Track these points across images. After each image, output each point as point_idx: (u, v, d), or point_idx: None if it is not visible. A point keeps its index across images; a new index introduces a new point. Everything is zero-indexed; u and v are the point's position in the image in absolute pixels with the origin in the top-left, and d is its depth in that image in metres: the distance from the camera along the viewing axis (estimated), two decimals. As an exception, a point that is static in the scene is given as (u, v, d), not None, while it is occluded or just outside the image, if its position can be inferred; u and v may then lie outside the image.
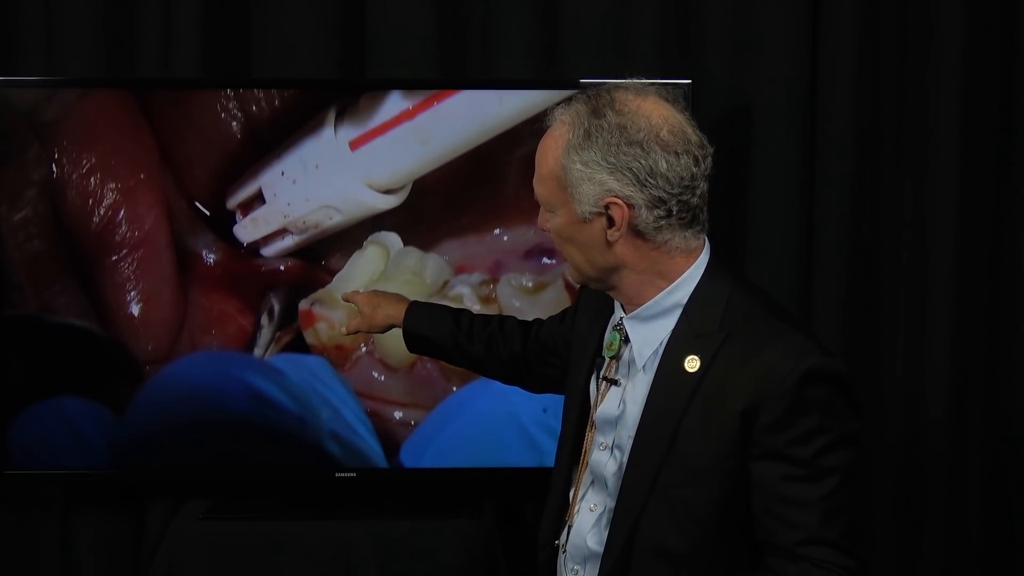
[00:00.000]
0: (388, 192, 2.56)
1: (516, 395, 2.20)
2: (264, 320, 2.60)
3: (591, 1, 2.72)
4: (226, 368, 2.60)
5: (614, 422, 1.69)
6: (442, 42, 2.74)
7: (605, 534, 1.68)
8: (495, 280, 2.59)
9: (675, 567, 1.62)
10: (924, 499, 2.81)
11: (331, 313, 2.59)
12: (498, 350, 2.05)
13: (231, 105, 2.55)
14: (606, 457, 1.70)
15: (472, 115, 2.52)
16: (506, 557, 2.55)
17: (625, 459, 1.66)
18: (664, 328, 1.65)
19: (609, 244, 1.61)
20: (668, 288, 1.65)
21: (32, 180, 2.54)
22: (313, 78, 2.70)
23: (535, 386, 2.10)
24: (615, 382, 1.70)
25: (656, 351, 1.66)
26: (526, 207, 2.54)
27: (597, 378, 1.75)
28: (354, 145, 2.54)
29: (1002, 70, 2.76)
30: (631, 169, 1.57)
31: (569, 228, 1.64)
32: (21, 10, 2.72)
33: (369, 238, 2.58)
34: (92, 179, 2.55)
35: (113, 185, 2.55)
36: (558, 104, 1.66)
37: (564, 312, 2.01)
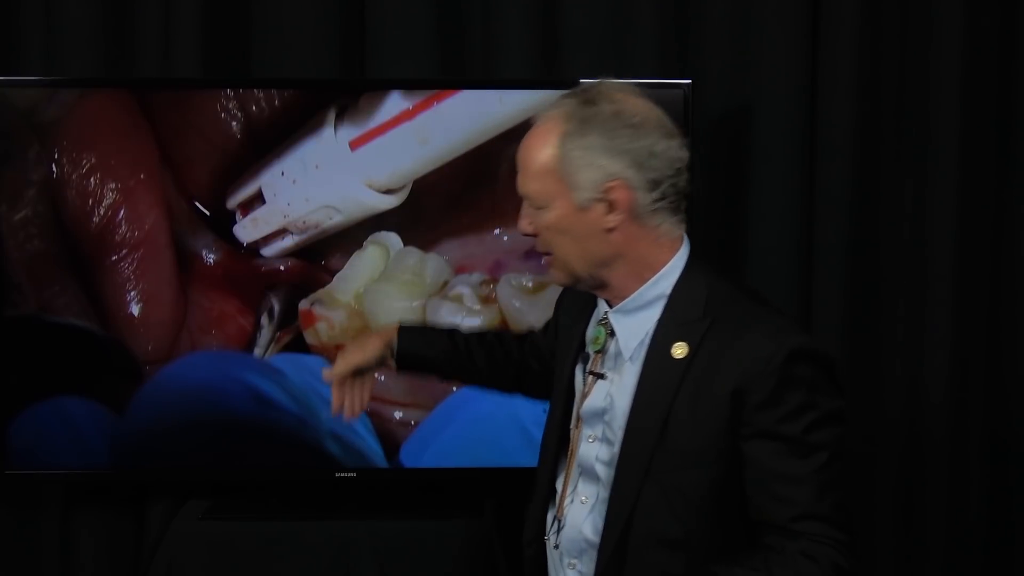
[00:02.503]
0: (388, 192, 2.56)
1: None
2: (264, 320, 2.60)
3: (591, 1, 2.72)
4: (226, 368, 2.60)
5: (601, 414, 1.72)
6: (442, 42, 2.74)
7: (601, 523, 1.70)
8: (495, 280, 2.59)
9: (672, 552, 1.65)
10: (924, 492, 2.82)
11: (331, 313, 2.59)
12: (499, 359, 2.05)
13: (231, 105, 2.54)
14: (595, 449, 1.73)
15: (472, 115, 2.52)
16: (506, 557, 2.55)
17: (617, 449, 1.68)
18: (649, 319, 1.69)
19: (607, 231, 1.65)
20: (653, 279, 1.69)
21: (32, 180, 2.54)
22: (313, 78, 2.70)
23: (536, 392, 2.11)
24: (601, 376, 1.73)
25: (642, 341, 1.69)
26: (526, 207, 2.55)
27: (583, 373, 1.78)
28: (354, 145, 2.54)
29: (1002, 70, 2.76)
30: (630, 151, 1.62)
31: (566, 220, 1.66)
32: (21, 10, 2.73)
33: (369, 238, 2.58)
34: (92, 179, 2.55)
35: (113, 185, 2.55)
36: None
37: (547, 324, 2.03)
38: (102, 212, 2.56)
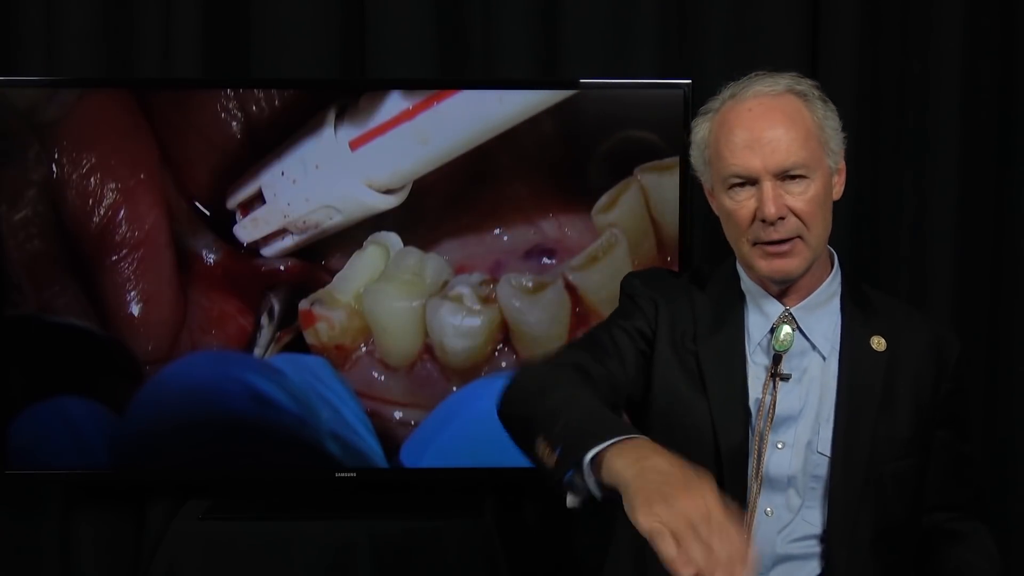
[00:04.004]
0: (388, 192, 2.56)
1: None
2: (264, 320, 2.60)
3: (591, 1, 2.72)
4: (226, 368, 2.60)
5: (795, 417, 1.68)
6: (442, 42, 2.73)
7: (797, 532, 1.68)
8: (495, 280, 2.59)
9: (892, 542, 1.68)
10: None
11: (331, 313, 2.59)
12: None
13: (231, 105, 2.55)
14: (786, 456, 1.68)
15: (472, 115, 2.52)
16: (506, 557, 2.55)
17: (824, 449, 1.67)
18: (832, 314, 1.72)
19: (832, 204, 1.71)
20: (831, 274, 1.74)
21: (32, 180, 2.54)
22: (313, 78, 2.70)
23: None
24: (786, 378, 1.68)
25: (832, 338, 1.70)
26: (526, 207, 2.55)
27: (763, 380, 1.70)
28: (354, 145, 2.54)
29: (1002, 69, 2.76)
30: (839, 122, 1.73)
31: (824, 189, 1.68)
32: (21, 10, 2.72)
33: (369, 238, 2.58)
34: (92, 179, 2.55)
35: (113, 185, 2.55)
36: (746, 91, 1.75)
37: (611, 344, 1.80)
38: (102, 212, 2.56)
